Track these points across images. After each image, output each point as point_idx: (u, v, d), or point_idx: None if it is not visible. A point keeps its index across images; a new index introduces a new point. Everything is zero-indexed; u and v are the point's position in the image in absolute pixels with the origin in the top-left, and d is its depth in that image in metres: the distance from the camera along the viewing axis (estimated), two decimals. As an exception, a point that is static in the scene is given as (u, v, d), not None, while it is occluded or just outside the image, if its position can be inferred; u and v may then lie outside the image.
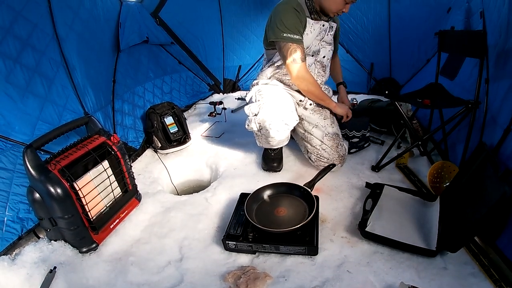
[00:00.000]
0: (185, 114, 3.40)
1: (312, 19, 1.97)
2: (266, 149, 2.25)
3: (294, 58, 1.91)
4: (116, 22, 2.55)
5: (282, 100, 2.02)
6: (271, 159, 2.24)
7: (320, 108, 2.20)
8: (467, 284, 1.29)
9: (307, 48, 2.02)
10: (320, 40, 2.05)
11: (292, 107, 2.05)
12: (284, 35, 1.88)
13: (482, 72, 1.80)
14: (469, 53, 1.95)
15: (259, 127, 2.03)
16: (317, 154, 2.14)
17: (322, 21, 1.99)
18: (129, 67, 2.74)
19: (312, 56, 2.08)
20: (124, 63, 2.65)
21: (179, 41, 3.59)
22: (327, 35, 2.06)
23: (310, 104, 2.17)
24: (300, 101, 2.17)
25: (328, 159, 2.11)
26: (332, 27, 2.07)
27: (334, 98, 2.33)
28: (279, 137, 2.03)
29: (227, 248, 1.58)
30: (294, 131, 2.27)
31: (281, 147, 2.24)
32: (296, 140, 2.37)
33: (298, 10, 1.89)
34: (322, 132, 2.13)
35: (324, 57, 2.13)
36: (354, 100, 2.99)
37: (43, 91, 1.76)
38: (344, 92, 2.42)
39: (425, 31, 3.00)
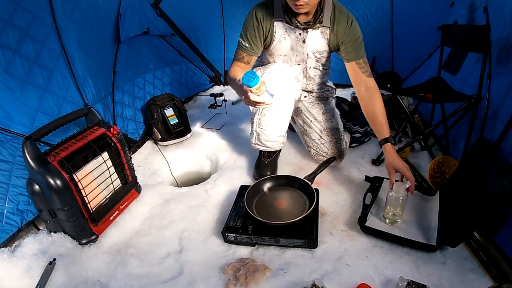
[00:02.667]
0: (186, 105, 3.39)
1: (287, 22, 1.77)
2: (259, 156, 2.14)
3: (234, 56, 1.90)
4: (116, 13, 2.52)
5: (287, 70, 1.88)
6: (264, 167, 2.10)
7: (319, 102, 2.14)
8: (467, 280, 1.29)
9: (285, 56, 1.90)
10: (303, 51, 1.87)
11: (295, 79, 1.96)
12: (239, 38, 1.86)
13: (485, 67, 1.79)
14: (472, 48, 1.93)
15: None
16: (316, 148, 2.13)
17: (299, 30, 1.78)
18: (130, 58, 2.72)
19: (299, 65, 1.95)
20: (124, 54, 2.63)
21: (180, 33, 3.56)
22: (305, 45, 1.84)
23: (305, 97, 2.12)
24: None
25: (327, 153, 2.09)
26: (306, 37, 1.81)
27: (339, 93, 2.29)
28: (282, 112, 1.87)
29: (226, 240, 1.58)
30: (294, 122, 2.26)
31: (276, 154, 2.14)
32: (297, 132, 2.35)
33: (258, 17, 1.76)
34: (321, 126, 2.10)
35: (310, 68, 1.96)
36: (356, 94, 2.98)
37: (42, 83, 1.75)
38: (391, 154, 1.65)
39: (428, 25, 2.97)
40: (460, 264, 1.37)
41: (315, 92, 2.12)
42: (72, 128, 1.83)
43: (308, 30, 1.79)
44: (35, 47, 1.73)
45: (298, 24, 1.76)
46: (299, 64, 1.95)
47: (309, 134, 2.15)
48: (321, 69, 2.00)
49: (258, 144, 2.02)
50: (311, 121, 2.12)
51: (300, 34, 1.80)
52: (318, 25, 1.77)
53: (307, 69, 1.97)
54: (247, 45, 1.82)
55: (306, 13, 1.70)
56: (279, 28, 1.81)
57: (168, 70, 3.33)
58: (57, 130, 1.60)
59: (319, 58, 1.92)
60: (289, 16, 1.75)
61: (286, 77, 1.84)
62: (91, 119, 1.78)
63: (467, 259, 1.39)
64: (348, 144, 2.22)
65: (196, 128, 2.94)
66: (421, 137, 2.06)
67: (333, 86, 2.20)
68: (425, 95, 1.92)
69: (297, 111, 2.18)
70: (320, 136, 2.09)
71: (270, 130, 1.93)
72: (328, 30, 1.79)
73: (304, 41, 1.83)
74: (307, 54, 1.89)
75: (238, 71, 1.76)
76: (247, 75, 1.34)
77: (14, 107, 1.59)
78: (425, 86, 2.11)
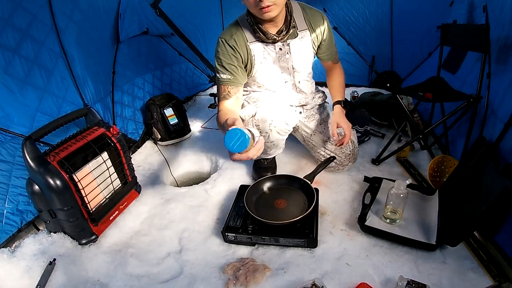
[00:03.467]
0: (185, 105, 3.38)
1: (262, 41, 1.66)
2: (258, 159, 2.07)
3: (218, 96, 1.73)
4: (115, 13, 2.52)
5: (279, 100, 1.78)
6: (264, 169, 2.06)
7: (314, 114, 2.05)
8: (466, 279, 1.29)
9: (270, 76, 1.79)
10: (288, 66, 1.77)
11: (289, 107, 1.85)
12: (216, 75, 1.69)
13: (485, 67, 1.79)
14: (472, 47, 1.93)
15: (258, 130, 1.63)
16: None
17: (278, 44, 1.68)
18: (129, 58, 2.72)
19: (286, 83, 1.85)
20: (123, 54, 2.63)
21: (179, 32, 3.55)
22: (290, 59, 1.74)
23: (300, 113, 2.02)
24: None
25: (337, 159, 2.02)
26: (289, 49, 1.71)
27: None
28: (278, 142, 1.84)
29: (226, 240, 1.58)
30: (295, 131, 2.16)
31: (274, 155, 2.08)
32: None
33: (232, 45, 1.63)
34: (321, 138, 2.03)
35: (299, 82, 1.87)
36: (355, 93, 2.98)
37: (42, 83, 1.75)
38: (339, 113, 1.84)
39: (428, 24, 2.97)
40: (460, 263, 1.37)
41: (309, 104, 2.05)
42: (72, 128, 1.83)
43: (288, 41, 1.69)
44: (35, 47, 1.73)
45: (275, 37, 1.63)
46: (286, 82, 1.84)
47: (312, 148, 2.11)
48: (308, 78, 1.92)
49: (258, 157, 1.97)
50: (310, 135, 2.06)
51: (280, 49, 1.70)
52: (293, 30, 1.67)
53: (295, 84, 1.87)
54: (229, 77, 1.65)
55: (276, 22, 1.60)
56: (256, 49, 1.68)
57: (168, 70, 3.32)
58: (57, 130, 1.60)
59: (305, 67, 1.83)
60: (262, 32, 1.61)
61: (281, 110, 1.71)
62: (91, 119, 1.78)
63: (467, 258, 1.39)
64: (356, 143, 2.09)
65: (196, 128, 2.95)
66: (420, 136, 2.05)
67: (320, 89, 2.15)
68: (424, 95, 1.91)
69: (293, 128, 2.05)
70: (324, 148, 2.03)
71: (271, 152, 1.95)
72: (308, 31, 1.72)
73: (288, 54, 1.72)
74: (293, 68, 1.79)
75: (229, 113, 1.57)
76: (234, 141, 1.03)
77: (14, 108, 1.59)
78: (425, 85, 2.11)
